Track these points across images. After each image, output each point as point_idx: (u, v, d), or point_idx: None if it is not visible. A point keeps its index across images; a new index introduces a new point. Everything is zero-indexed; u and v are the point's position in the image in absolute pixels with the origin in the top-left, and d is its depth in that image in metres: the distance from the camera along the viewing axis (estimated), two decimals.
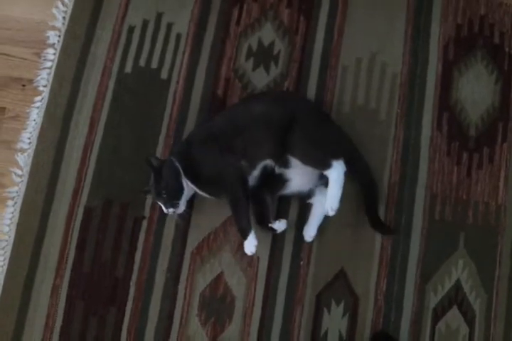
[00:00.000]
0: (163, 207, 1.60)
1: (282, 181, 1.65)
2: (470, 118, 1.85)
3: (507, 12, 1.94)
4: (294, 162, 1.61)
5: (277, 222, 1.66)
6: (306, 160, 1.60)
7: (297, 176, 1.65)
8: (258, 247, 1.68)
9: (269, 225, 1.66)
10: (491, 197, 1.79)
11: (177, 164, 1.60)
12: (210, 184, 1.61)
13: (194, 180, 1.60)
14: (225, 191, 1.60)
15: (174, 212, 1.60)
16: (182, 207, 1.60)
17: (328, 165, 1.59)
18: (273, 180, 1.65)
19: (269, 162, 1.62)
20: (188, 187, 1.61)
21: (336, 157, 1.60)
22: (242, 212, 1.59)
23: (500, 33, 1.92)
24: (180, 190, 1.59)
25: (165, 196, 1.58)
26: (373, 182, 1.74)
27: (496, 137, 1.84)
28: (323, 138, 1.65)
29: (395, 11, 1.92)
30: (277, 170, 1.63)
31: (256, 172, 1.63)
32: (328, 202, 1.58)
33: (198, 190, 1.63)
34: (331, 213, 1.58)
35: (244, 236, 1.59)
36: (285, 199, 1.74)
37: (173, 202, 1.58)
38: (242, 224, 1.59)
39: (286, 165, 1.62)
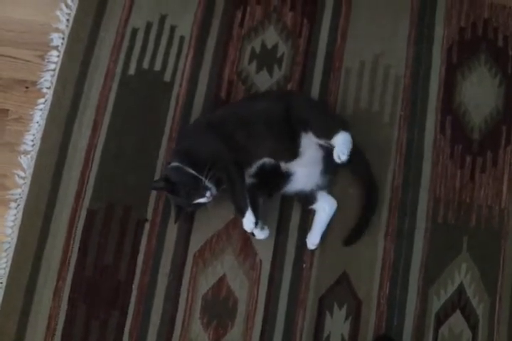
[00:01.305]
0: (203, 199, 1.58)
1: (285, 177, 1.65)
2: (473, 121, 1.84)
3: (510, 15, 1.94)
4: (303, 144, 1.61)
5: (259, 229, 1.66)
6: (316, 126, 1.61)
7: (303, 169, 1.64)
8: (261, 250, 1.68)
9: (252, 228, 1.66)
10: (495, 201, 1.79)
11: (179, 164, 1.60)
12: (206, 167, 1.58)
13: (200, 170, 1.58)
14: (221, 172, 1.58)
15: (211, 195, 1.57)
16: (212, 192, 1.58)
17: (336, 131, 1.59)
18: (276, 176, 1.64)
19: (267, 160, 1.62)
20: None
21: (343, 127, 1.61)
22: (238, 191, 1.58)
23: (503, 36, 1.92)
24: (203, 188, 1.57)
25: (192, 193, 1.57)
26: (374, 186, 1.74)
27: (500, 140, 1.84)
28: (326, 109, 1.77)
29: (399, 13, 1.92)
30: (283, 166, 1.63)
31: (252, 171, 1.62)
32: (337, 149, 1.57)
33: (205, 179, 1.60)
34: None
35: (242, 214, 1.58)
36: (288, 201, 1.74)
37: (203, 195, 1.57)
38: (238, 202, 1.59)
39: (294, 154, 1.62)
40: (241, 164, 1.60)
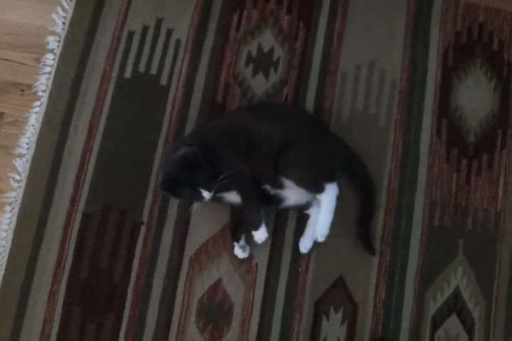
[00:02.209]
0: (205, 194, 1.52)
1: (278, 200, 1.65)
2: (469, 124, 1.85)
3: (506, 19, 1.95)
4: (289, 183, 1.60)
5: (238, 247, 1.67)
6: (299, 183, 1.59)
7: (293, 195, 1.64)
8: (256, 254, 1.68)
9: (233, 244, 1.68)
10: (490, 204, 1.79)
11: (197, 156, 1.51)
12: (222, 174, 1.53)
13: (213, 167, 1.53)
14: (235, 187, 1.59)
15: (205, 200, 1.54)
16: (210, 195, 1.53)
17: (321, 189, 1.60)
18: (269, 199, 1.64)
19: (264, 184, 1.63)
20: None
21: (330, 180, 1.61)
22: (254, 207, 1.60)
23: (499, 39, 1.93)
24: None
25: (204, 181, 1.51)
26: (372, 190, 1.74)
27: (495, 143, 1.84)
28: (317, 159, 1.62)
29: (395, 17, 1.93)
30: (272, 191, 1.63)
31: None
32: (318, 228, 1.61)
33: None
34: (320, 239, 1.62)
35: (256, 228, 1.60)
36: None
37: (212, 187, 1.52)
38: (254, 217, 1.60)
39: (281, 186, 1.61)
40: (258, 180, 1.61)
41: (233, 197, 1.61)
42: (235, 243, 1.67)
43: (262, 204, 1.62)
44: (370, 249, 1.71)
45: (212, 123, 1.72)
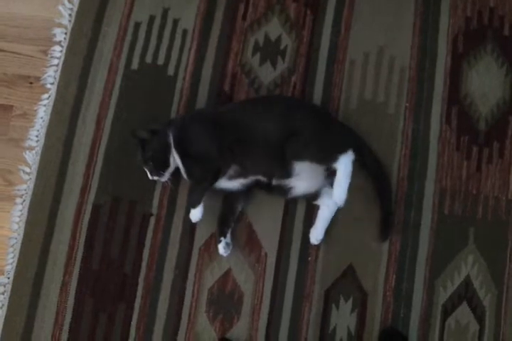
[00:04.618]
0: (148, 174, 1.65)
1: (286, 189, 1.64)
2: (480, 111, 1.82)
3: None
4: (298, 168, 1.59)
5: (224, 243, 1.67)
6: (313, 159, 1.59)
7: (301, 182, 1.63)
8: (266, 243, 1.69)
9: (220, 239, 1.68)
10: (501, 192, 1.77)
11: (170, 139, 1.62)
12: (192, 163, 1.62)
13: (183, 156, 1.62)
14: (197, 171, 1.62)
15: (158, 179, 1.65)
16: (166, 176, 1.65)
17: (335, 158, 1.58)
18: (275, 188, 1.64)
19: (261, 178, 1.62)
20: (174, 162, 1.64)
21: (342, 151, 1.59)
22: (199, 192, 1.61)
23: (510, 24, 1.89)
24: (167, 164, 1.64)
25: (151, 165, 1.63)
26: (384, 176, 1.73)
27: (507, 131, 1.81)
28: (327, 136, 1.63)
29: (403, 3, 1.90)
30: (275, 182, 1.62)
31: (245, 181, 1.63)
32: (335, 193, 1.57)
33: (181, 167, 1.64)
34: (339, 203, 1.57)
35: (193, 207, 1.62)
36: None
37: (158, 172, 1.63)
38: (194, 199, 1.62)
39: (289, 174, 1.60)
40: (220, 173, 1.61)
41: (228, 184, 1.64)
42: (222, 238, 1.67)
43: (207, 190, 1.62)
44: (384, 234, 1.70)
45: (206, 112, 1.75)
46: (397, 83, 1.84)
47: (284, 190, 1.64)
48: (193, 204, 1.62)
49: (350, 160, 1.59)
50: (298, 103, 1.78)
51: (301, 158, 1.58)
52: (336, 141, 1.63)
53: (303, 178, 1.62)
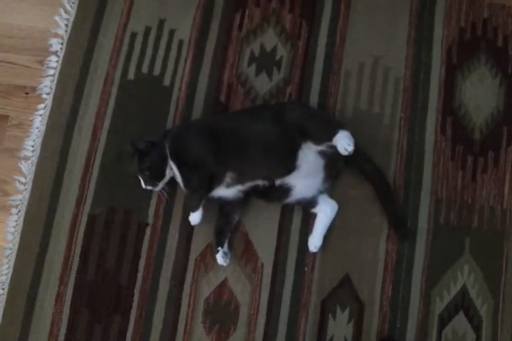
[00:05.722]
0: (142, 183, 1.64)
1: (286, 190, 1.64)
2: (474, 121, 1.84)
3: (510, 15, 1.93)
4: (300, 158, 1.60)
5: (222, 253, 1.66)
6: (315, 137, 1.61)
7: (302, 181, 1.63)
8: (262, 254, 1.69)
9: (217, 249, 1.67)
10: (497, 202, 1.78)
11: (167, 151, 1.62)
12: (189, 172, 1.62)
13: (179, 165, 1.63)
14: (194, 180, 1.62)
15: (152, 188, 1.65)
16: (160, 186, 1.65)
17: (334, 133, 1.59)
18: (275, 191, 1.64)
19: (260, 182, 1.62)
20: (170, 173, 1.65)
21: (339, 126, 1.63)
22: (195, 199, 1.63)
23: (503, 35, 1.92)
24: (163, 174, 1.64)
25: (147, 175, 1.63)
26: (385, 182, 1.74)
27: (501, 141, 1.83)
28: (320, 116, 1.75)
29: (398, 14, 1.92)
30: (277, 182, 1.62)
31: (243, 188, 1.63)
32: (339, 145, 1.58)
33: (178, 176, 1.64)
34: (345, 152, 1.57)
35: (192, 210, 1.65)
36: (289, 204, 1.72)
37: (153, 182, 1.63)
38: (192, 206, 1.65)
39: (290, 169, 1.61)
40: (215, 180, 1.62)
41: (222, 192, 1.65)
42: (219, 248, 1.66)
43: (205, 197, 1.63)
44: (403, 232, 1.73)
45: (201, 122, 1.77)
46: (392, 93, 1.85)
47: (283, 192, 1.64)
48: (193, 209, 1.64)
49: (349, 134, 1.60)
50: (286, 102, 1.83)
51: (304, 135, 1.61)
52: (331, 120, 1.73)
53: (303, 174, 1.62)
